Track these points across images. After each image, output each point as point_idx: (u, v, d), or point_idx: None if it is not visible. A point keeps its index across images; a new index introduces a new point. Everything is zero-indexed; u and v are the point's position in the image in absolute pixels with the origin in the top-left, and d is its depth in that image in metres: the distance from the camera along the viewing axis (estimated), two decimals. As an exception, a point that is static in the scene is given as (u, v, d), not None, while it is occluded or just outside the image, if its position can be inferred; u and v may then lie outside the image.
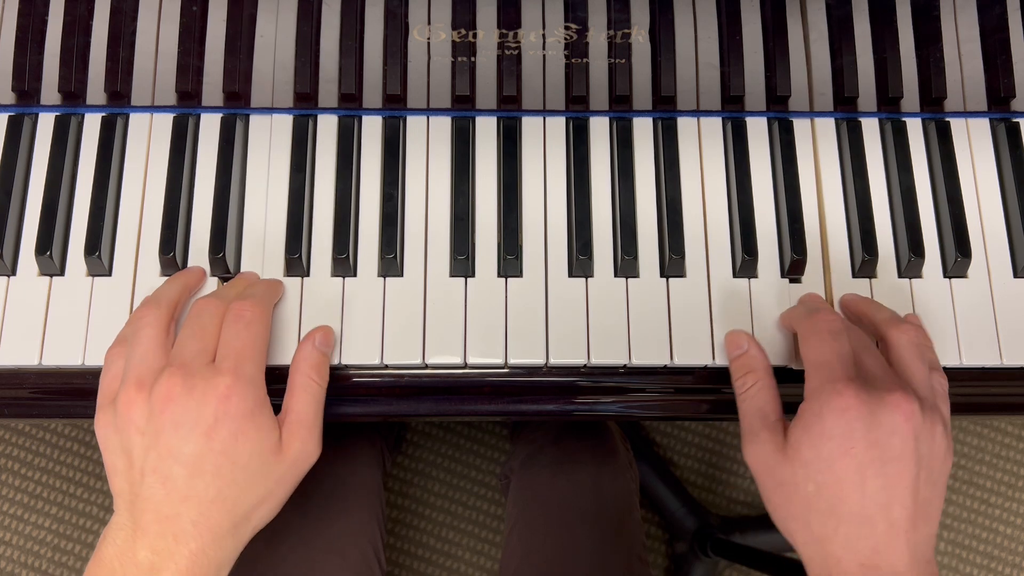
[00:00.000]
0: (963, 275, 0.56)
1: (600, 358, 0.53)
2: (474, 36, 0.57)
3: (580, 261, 0.54)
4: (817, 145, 0.58)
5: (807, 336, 0.49)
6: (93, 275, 0.54)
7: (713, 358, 0.53)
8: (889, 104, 0.58)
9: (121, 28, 0.56)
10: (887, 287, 0.55)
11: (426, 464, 1.30)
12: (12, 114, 0.57)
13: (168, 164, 0.56)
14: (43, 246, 0.53)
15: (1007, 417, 1.14)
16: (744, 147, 0.58)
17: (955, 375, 0.54)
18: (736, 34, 0.57)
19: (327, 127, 0.58)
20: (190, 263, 0.55)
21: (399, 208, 0.56)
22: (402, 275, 0.54)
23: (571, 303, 0.54)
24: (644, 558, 0.77)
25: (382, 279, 0.54)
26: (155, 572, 0.43)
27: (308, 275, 0.54)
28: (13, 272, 0.54)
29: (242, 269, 0.55)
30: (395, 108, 0.58)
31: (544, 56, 0.57)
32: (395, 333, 0.53)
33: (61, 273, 0.54)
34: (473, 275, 0.55)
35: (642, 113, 0.58)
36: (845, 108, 0.59)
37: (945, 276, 0.56)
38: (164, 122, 0.57)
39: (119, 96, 0.57)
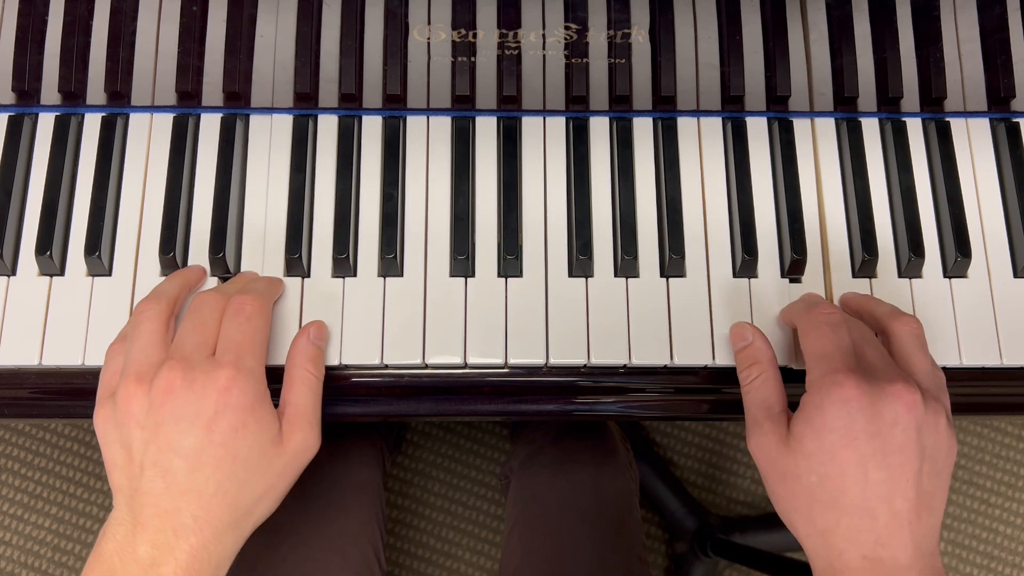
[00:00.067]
0: (963, 275, 0.56)
1: (600, 358, 0.53)
2: (474, 36, 0.57)
3: (580, 261, 0.54)
4: (817, 145, 0.58)
5: (807, 329, 0.49)
6: (93, 275, 0.54)
7: (713, 358, 0.53)
8: (889, 104, 0.58)
9: (121, 28, 0.56)
10: (887, 287, 0.55)
11: (426, 464, 1.30)
12: (12, 114, 0.57)
13: (168, 164, 0.56)
14: (43, 246, 0.53)
15: (1007, 417, 1.14)
16: (744, 147, 0.58)
17: (955, 375, 0.54)
18: (736, 34, 0.57)
19: (327, 127, 0.58)
20: (190, 263, 0.55)
21: (399, 208, 0.56)
22: (402, 275, 0.54)
23: (571, 303, 0.54)
24: (644, 558, 0.77)
25: (382, 279, 0.54)
26: (155, 567, 0.43)
27: (308, 275, 0.54)
28: (13, 272, 0.54)
29: (242, 269, 0.55)
30: (395, 108, 0.58)
31: (544, 56, 0.57)
32: (395, 333, 0.53)
33: (61, 273, 0.54)
34: (473, 275, 0.55)
35: (642, 113, 0.58)
36: (845, 108, 0.59)
37: (945, 276, 0.56)
38: (164, 122, 0.57)
39: (119, 96, 0.57)
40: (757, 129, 0.58)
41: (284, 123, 0.57)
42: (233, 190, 0.56)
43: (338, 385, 0.53)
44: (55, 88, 0.56)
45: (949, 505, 1.32)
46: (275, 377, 0.50)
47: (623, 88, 0.57)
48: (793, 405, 0.48)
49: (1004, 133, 0.59)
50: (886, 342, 0.50)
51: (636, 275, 0.55)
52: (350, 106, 0.58)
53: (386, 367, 0.54)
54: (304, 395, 0.50)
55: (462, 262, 0.54)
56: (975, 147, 0.59)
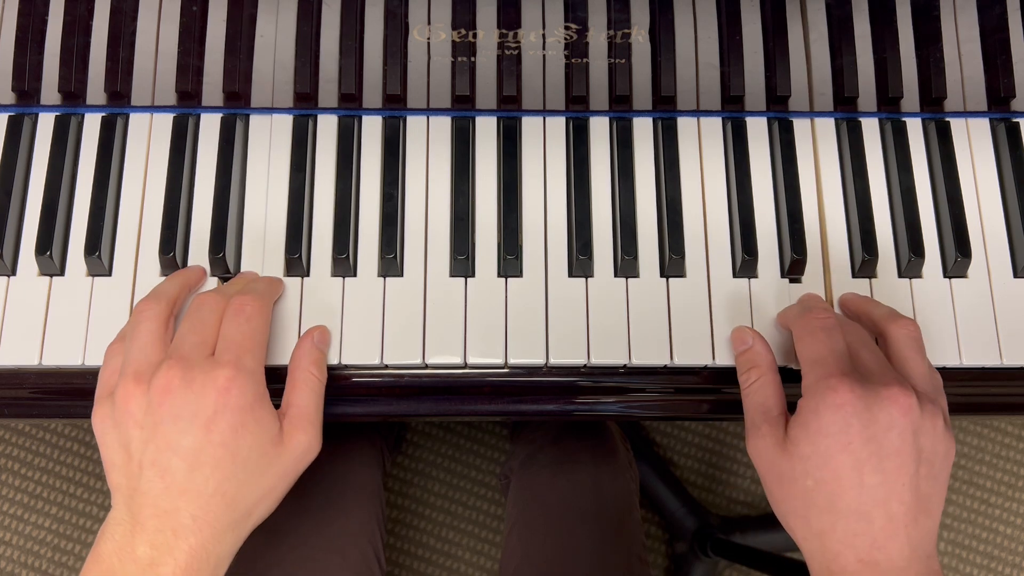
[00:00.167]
0: (963, 275, 0.56)
1: (600, 358, 0.53)
2: (474, 36, 0.57)
3: (580, 261, 0.54)
4: (817, 145, 0.58)
5: (801, 334, 0.49)
6: (93, 275, 0.54)
7: (713, 358, 0.53)
8: (889, 104, 0.58)
9: (121, 28, 0.56)
10: (887, 287, 0.55)
11: (426, 464, 1.30)
12: (12, 114, 0.57)
13: (168, 164, 0.56)
14: (43, 246, 0.53)
15: (1007, 417, 1.14)
16: (744, 147, 0.58)
17: (955, 375, 0.54)
18: (736, 34, 0.57)
19: (327, 127, 0.58)
20: (190, 263, 0.55)
21: (399, 208, 0.56)
22: (402, 275, 0.54)
23: (571, 303, 0.54)
24: (644, 558, 0.77)
25: (382, 279, 0.54)
26: (154, 567, 0.43)
27: (308, 275, 0.54)
28: (13, 272, 0.54)
29: (242, 269, 0.55)
30: (395, 108, 0.58)
31: (544, 56, 0.57)
32: (395, 333, 0.53)
33: (61, 273, 0.54)
34: (473, 275, 0.55)
35: (642, 113, 0.58)
36: (845, 108, 0.59)
37: (945, 276, 0.56)
38: (164, 122, 0.57)
39: (119, 96, 0.57)
40: (757, 129, 0.58)
41: (284, 123, 0.57)
42: (233, 190, 0.56)
43: (338, 385, 0.53)
44: (55, 88, 0.56)
45: (949, 505, 1.32)
46: (275, 377, 0.50)
47: (623, 88, 0.57)
48: (792, 406, 0.48)
49: (1004, 133, 0.59)
50: (883, 345, 0.50)
51: (636, 275, 0.55)
52: (350, 106, 0.58)
53: (386, 367, 0.54)
54: (307, 397, 0.50)
55: (462, 262, 0.54)
56: (975, 147, 0.59)
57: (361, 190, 0.56)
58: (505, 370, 0.54)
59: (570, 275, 0.55)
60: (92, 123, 0.57)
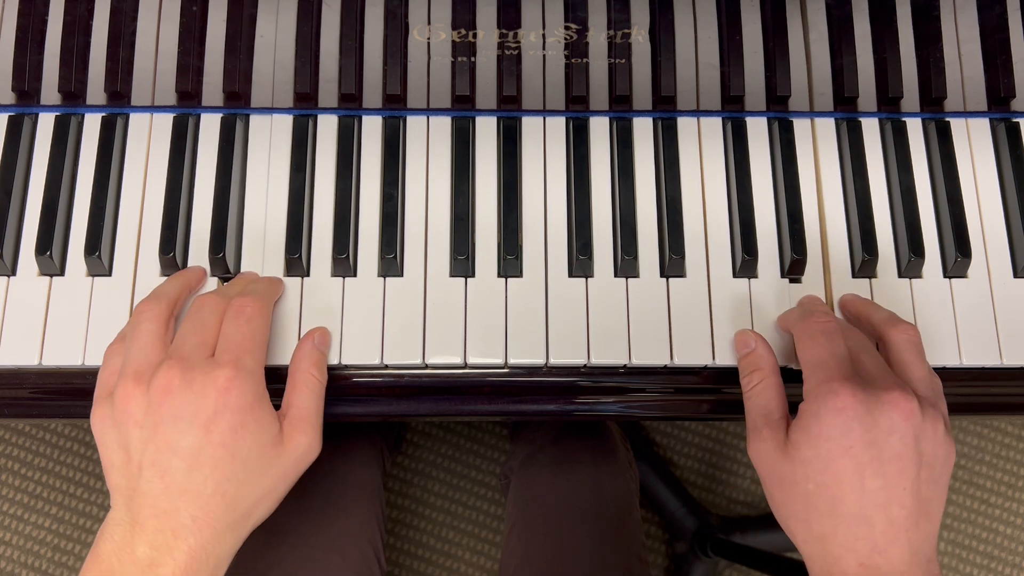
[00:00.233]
0: (963, 275, 0.56)
1: (600, 358, 0.53)
2: (474, 36, 0.57)
3: (580, 261, 0.54)
4: (817, 145, 0.58)
5: (802, 338, 0.49)
6: (93, 275, 0.54)
7: (713, 358, 0.53)
8: (889, 104, 0.58)
9: (121, 28, 0.56)
10: (887, 287, 0.55)
11: (426, 464, 1.30)
12: (12, 114, 0.57)
13: (168, 164, 0.56)
14: (43, 246, 0.53)
15: (1007, 417, 1.14)
16: (744, 147, 0.58)
17: (955, 375, 0.54)
18: (736, 34, 0.57)
19: (327, 127, 0.58)
20: (190, 263, 0.55)
21: (399, 208, 0.56)
22: (402, 275, 0.54)
23: (571, 303, 0.54)
24: (644, 558, 0.77)
25: (382, 279, 0.54)
26: (154, 568, 0.43)
27: (308, 275, 0.54)
28: (13, 272, 0.54)
29: (242, 269, 0.55)
30: (395, 108, 0.58)
31: (544, 56, 0.57)
32: (395, 333, 0.53)
33: (61, 273, 0.54)
34: (473, 275, 0.55)
35: (642, 113, 0.58)
36: (845, 108, 0.59)
37: (945, 276, 0.56)
38: (164, 122, 0.57)
39: (119, 96, 0.57)
40: (757, 129, 0.58)
41: (284, 123, 0.57)
42: (233, 190, 0.56)
43: (338, 385, 0.53)
44: (55, 88, 0.56)
45: (949, 505, 1.32)
46: (275, 378, 0.50)
47: (623, 88, 0.57)
48: (793, 407, 0.48)
49: (1004, 133, 0.59)
50: (883, 349, 0.50)
51: (636, 275, 0.55)
52: (350, 106, 0.58)
53: (386, 367, 0.54)
54: (308, 398, 0.50)
55: (462, 262, 0.54)
56: (975, 147, 0.59)
57: (361, 190, 0.56)
58: (505, 370, 0.54)
59: (570, 275, 0.55)
60: (92, 123, 0.57)
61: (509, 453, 1.01)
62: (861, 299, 0.54)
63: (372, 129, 0.58)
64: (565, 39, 0.57)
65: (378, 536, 0.76)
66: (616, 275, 0.55)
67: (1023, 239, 0.56)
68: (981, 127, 0.59)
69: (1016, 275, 0.56)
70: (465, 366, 0.54)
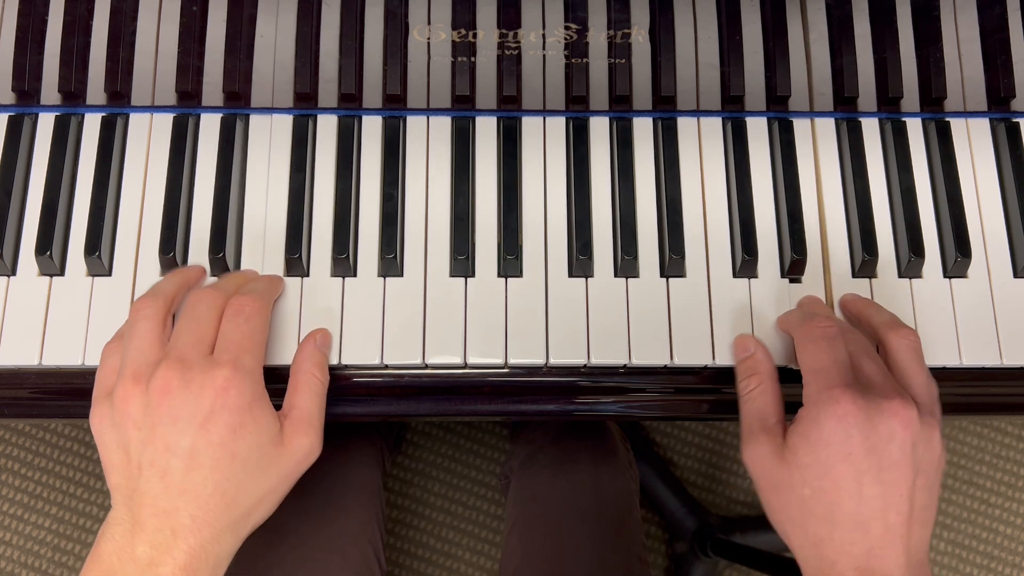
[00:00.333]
0: (963, 275, 0.56)
1: (600, 358, 0.53)
2: (474, 36, 0.57)
3: (580, 261, 0.54)
4: (817, 145, 0.58)
5: (803, 342, 0.49)
6: (93, 275, 0.54)
7: (713, 358, 0.53)
8: (889, 104, 0.58)
9: (121, 28, 0.56)
10: (887, 287, 0.55)
11: (426, 464, 1.30)
12: (12, 114, 0.57)
13: (168, 164, 0.56)
14: (43, 246, 0.53)
15: (1007, 417, 1.14)
16: (744, 147, 0.58)
17: (955, 375, 0.54)
18: (736, 34, 0.57)
19: (327, 127, 0.58)
20: (190, 263, 0.55)
21: (399, 208, 0.56)
22: (402, 275, 0.54)
23: (571, 303, 0.54)
24: (644, 558, 0.77)
25: (382, 279, 0.54)
26: (154, 567, 0.43)
27: (308, 275, 0.54)
28: (13, 272, 0.54)
29: (242, 269, 0.55)
30: (395, 108, 0.58)
31: (544, 56, 0.57)
32: (395, 333, 0.53)
33: (61, 273, 0.54)
34: (473, 275, 0.55)
35: (642, 113, 0.58)
36: (845, 108, 0.59)
37: (945, 276, 0.56)
38: (164, 122, 0.57)
39: (119, 96, 0.57)
40: (757, 129, 0.58)
41: (284, 123, 0.57)
42: (233, 190, 0.56)
43: (338, 385, 0.53)
44: (55, 88, 0.56)
45: (949, 505, 1.32)
46: (274, 378, 0.50)
47: (623, 88, 0.57)
48: (791, 406, 0.48)
49: (1004, 133, 0.59)
50: (883, 353, 0.50)
51: (636, 275, 0.55)
52: (350, 106, 0.58)
53: (386, 367, 0.54)
54: (310, 399, 0.50)
55: (462, 262, 0.54)
56: (975, 147, 0.59)
57: (361, 190, 0.56)
58: (505, 370, 0.54)
59: (570, 275, 0.55)
60: (92, 123, 0.57)
61: (509, 453, 1.01)
62: (862, 299, 0.54)
63: (372, 129, 0.58)
64: (565, 39, 0.57)
65: (378, 536, 0.76)
66: (616, 275, 0.55)
67: (1023, 239, 0.56)
68: (981, 127, 0.59)
69: (1016, 275, 0.56)
70: (465, 366, 0.54)
